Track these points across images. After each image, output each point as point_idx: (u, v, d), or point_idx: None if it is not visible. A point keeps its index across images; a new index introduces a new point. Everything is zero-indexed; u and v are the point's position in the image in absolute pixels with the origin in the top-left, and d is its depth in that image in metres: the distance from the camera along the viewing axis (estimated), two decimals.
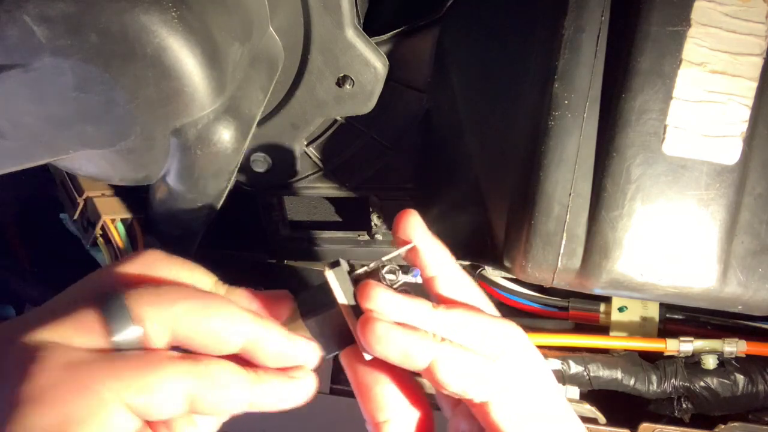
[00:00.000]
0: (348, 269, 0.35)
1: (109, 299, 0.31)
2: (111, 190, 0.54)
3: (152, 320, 0.31)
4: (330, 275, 0.35)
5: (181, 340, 0.32)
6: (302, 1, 0.48)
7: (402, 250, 0.37)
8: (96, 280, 0.35)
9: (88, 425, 0.28)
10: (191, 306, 0.32)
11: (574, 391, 0.62)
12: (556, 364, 0.61)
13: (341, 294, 0.35)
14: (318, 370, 0.35)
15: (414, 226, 0.37)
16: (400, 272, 0.35)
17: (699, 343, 0.62)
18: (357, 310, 0.34)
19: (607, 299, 0.66)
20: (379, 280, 0.35)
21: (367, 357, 0.34)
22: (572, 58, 0.43)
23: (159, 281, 0.34)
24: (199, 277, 0.36)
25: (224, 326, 0.32)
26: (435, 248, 0.37)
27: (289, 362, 0.34)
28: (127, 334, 0.31)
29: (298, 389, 0.34)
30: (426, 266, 0.37)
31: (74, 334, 0.30)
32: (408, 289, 0.36)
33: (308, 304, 0.37)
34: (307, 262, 0.75)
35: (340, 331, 0.36)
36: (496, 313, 0.38)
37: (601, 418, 0.62)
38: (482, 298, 0.38)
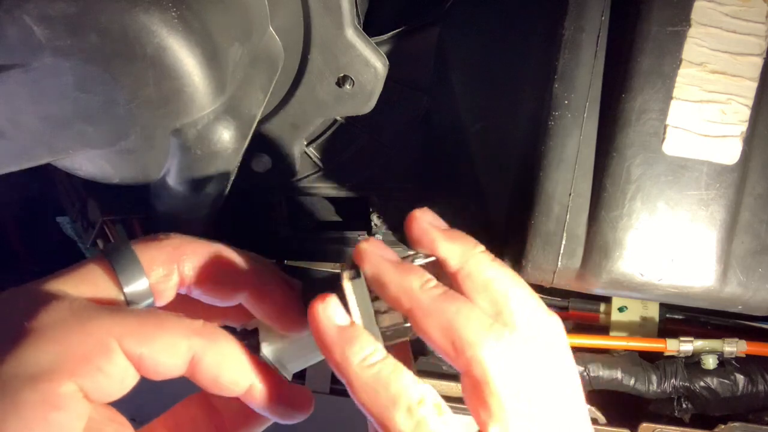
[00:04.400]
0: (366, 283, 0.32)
1: (119, 250, 0.32)
2: (111, 190, 0.54)
3: (161, 267, 0.32)
4: (348, 287, 0.32)
5: (190, 285, 0.33)
6: (302, 1, 0.48)
7: (424, 262, 0.34)
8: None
9: (85, 364, 0.28)
10: (199, 249, 0.33)
11: None
12: None
13: (357, 313, 0.31)
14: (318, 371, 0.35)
15: (428, 233, 0.34)
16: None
17: (699, 343, 0.62)
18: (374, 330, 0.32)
19: (607, 299, 0.66)
20: None
21: None
22: (572, 58, 0.43)
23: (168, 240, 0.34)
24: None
25: (233, 271, 0.33)
26: (455, 250, 0.33)
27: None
28: (137, 285, 0.31)
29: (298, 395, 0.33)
30: (449, 266, 0.34)
31: (83, 284, 0.31)
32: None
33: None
34: (307, 262, 0.75)
35: None
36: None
37: (601, 418, 0.62)
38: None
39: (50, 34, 0.37)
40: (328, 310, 0.31)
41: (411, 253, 0.34)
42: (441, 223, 0.35)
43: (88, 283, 0.31)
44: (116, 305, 0.31)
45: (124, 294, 0.31)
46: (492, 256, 0.33)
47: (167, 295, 0.33)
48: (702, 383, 0.63)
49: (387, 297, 0.32)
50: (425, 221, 0.35)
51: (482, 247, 0.34)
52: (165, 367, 0.29)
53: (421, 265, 0.33)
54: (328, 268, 0.78)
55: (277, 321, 0.34)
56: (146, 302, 0.32)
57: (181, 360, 0.29)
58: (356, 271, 0.32)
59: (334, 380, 0.71)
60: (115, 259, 0.31)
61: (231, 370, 0.31)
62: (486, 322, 0.30)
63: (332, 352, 0.30)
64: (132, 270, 0.31)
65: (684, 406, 0.64)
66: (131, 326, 0.29)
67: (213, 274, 0.33)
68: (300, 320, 0.34)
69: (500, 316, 0.31)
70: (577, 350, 0.63)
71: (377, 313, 0.32)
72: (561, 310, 0.65)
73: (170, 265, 0.32)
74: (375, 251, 0.33)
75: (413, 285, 0.31)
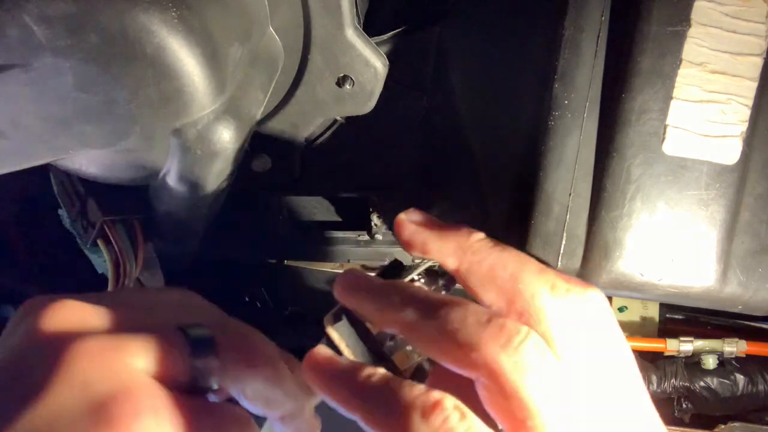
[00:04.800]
0: (350, 319, 0.30)
1: (202, 341, 0.29)
2: (111, 190, 0.54)
3: (227, 378, 0.30)
4: (332, 333, 0.30)
5: (246, 396, 0.31)
6: (302, 1, 0.48)
7: (420, 269, 0.32)
8: (171, 305, 0.33)
9: None
10: (271, 375, 0.30)
11: None
12: None
13: (349, 352, 0.30)
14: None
15: (417, 236, 0.31)
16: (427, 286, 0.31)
17: (699, 343, 0.63)
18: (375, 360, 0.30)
19: (607, 299, 0.66)
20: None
21: None
22: (572, 58, 0.43)
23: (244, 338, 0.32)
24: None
25: (283, 400, 0.31)
26: (449, 248, 0.31)
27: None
28: (206, 380, 0.29)
29: None
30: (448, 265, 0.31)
31: (161, 360, 0.28)
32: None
33: None
34: (307, 262, 0.75)
35: None
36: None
37: None
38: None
39: (50, 34, 0.37)
40: (317, 359, 0.29)
41: (417, 261, 0.32)
42: (430, 221, 0.32)
43: (162, 364, 0.29)
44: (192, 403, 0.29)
45: (190, 385, 0.29)
46: (492, 241, 0.30)
47: (220, 393, 0.31)
48: (702, 383, 0.63)
49: (378, 327, 0.30)
50: (412, 224, 0.32)
51: (479, 235, 0.31)
52: None
53: (423, 272, 0.31)
54: (328, 268, 0.79)
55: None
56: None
57: None
58: (338, 312, 0.30)
59: None
60: (197, 356, 0.29)
61: None
62: (483, 324, 0.27)
63: (336, 392, 0.28)
64: (208, 372, 0.29)
65: (684, 406, 0.64)
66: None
67: (263, 403, 0.31)
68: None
69: (513, 305, 0.28)
70: None
71: (383, 342, 0.30)
72: None
73: (234, 385, 0.30)
74: (348, 287, 0.30)
75: (393, 307, 0.28)
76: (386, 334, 0.30)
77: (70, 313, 0.30)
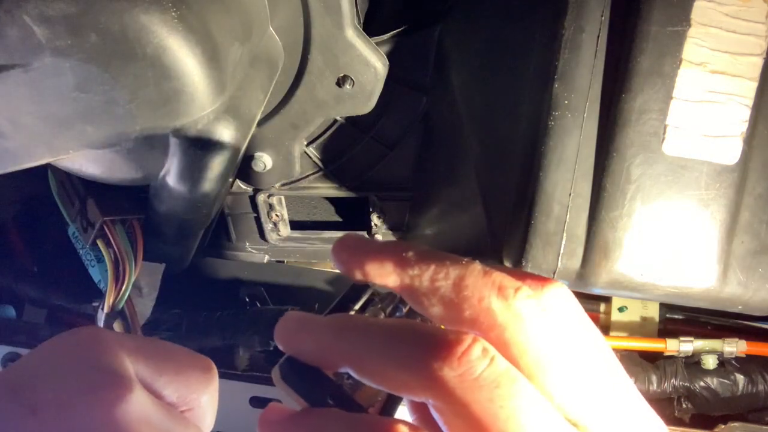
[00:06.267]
0: (298, 367, 0.27)
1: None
2: (111, 190, 0.54)
3: None
4: (283, 386, 0.27)
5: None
6: (302, 1, 0.48)
7: (365, 296, 0.29)
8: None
9: None
10: None
11: None
12: None
13: (303, 403, 0.27)
14: None
15: (354, 261, 0.28)
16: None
17: (699, 343, 0.63)
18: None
19: (607, 299, 0.66)
20: None
21: None
22: (572, 58, 0.43)
23: None
24: None
25: None
26: (386, 269, 0.27)
27: None
28: None
29: None
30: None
31: None
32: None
33: None
34: (307, 262, 0.75)
35: None
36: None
37: None
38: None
39: (50, 34, 0.37)
40: (268, 417, 0.27)
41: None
42: (367, 243, 0.29)
43: None
44: None
45: None
46: (431, 252, 0.27)
47: None
48: (702, 383, 0.63)
49: (327, 369, 0.27)
50: (347, 249, 0.29)
51: (418, 248, 0.28)
52: None
53: (378, 297, 0.29)
54: (328, 268, 0.78)
55: None
56: None
57: None
58: (284, 363, 0.28)
59: None
60: None
61: None
62: (421, 343, 0.24)
63: None
64: None
65: (684, 406, 0.64)
66: None
67: None
68: None
69: (461, 314, 0.25)
70: None
71: (340, 383, 0.27)
72: None
73: None
74: (286, 335, 0.28)
75: (334, 345, 0.26)
76: (342, 374, 0.27)
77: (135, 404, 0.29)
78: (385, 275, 0.27)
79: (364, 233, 0.68)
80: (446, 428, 0.24)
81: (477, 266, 0.26)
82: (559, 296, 0.26)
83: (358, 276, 0.28)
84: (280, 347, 0.28)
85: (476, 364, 0.23)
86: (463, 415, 0.23)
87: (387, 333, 0.25)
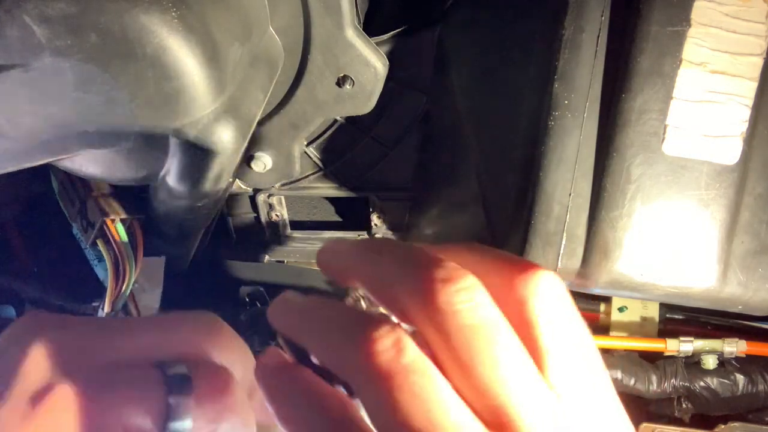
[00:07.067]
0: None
1: (179, 386, 0.29)
2: (111, 190, 0.54)
3: (200, 427, 0.29)
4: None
5: None
6: (302, 1, 0.48)
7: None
8: (155, 342, 0.31)
9: None
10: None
11: None
12: None
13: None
14: None
15: (340, 273, 0.28)
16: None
17: (699, 343, 0.63)
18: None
19: (607, 299, 0.66)
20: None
21: None
22: (572, 58, 0.43)
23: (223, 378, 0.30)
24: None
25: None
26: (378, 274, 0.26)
27: None
28: (178, 426, 0.28)
29: None
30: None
31: (137, 413, 0.28)
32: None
33: None
34: (307, 262, 0.75)
35: None
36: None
37: None
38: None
39: (50, 34, 0.37)
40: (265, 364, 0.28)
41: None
42: (349, 245, 0.28)
43: (142, 413, 0.28)
44: None
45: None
46: (401, 248, 0.26)
47: None
48: (702, 383, 0.63)
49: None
50: (331, 254, 0.29)
51: (392, 254, 0.26)
52: None
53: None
54: None
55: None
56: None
57: None
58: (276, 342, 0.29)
59: None
60: (173, 392, 0.29)
61: None
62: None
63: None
64: (182, 425, 0.28)
65: (684, 406, 0.64)
66: None
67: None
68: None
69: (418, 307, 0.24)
70: None
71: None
72: None
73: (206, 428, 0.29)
74: (278, 314, 0.28)
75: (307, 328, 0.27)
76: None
77: (56, 349, 0.29)
78: (348, 278, 0.28)
79: (364, 233, 0.68)
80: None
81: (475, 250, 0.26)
82: (547, 284, 0.25)
83: (346, 283, 0.28)
84: (273, 326, 0.28)
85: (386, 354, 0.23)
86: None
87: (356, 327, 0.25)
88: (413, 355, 0.23)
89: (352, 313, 0.26)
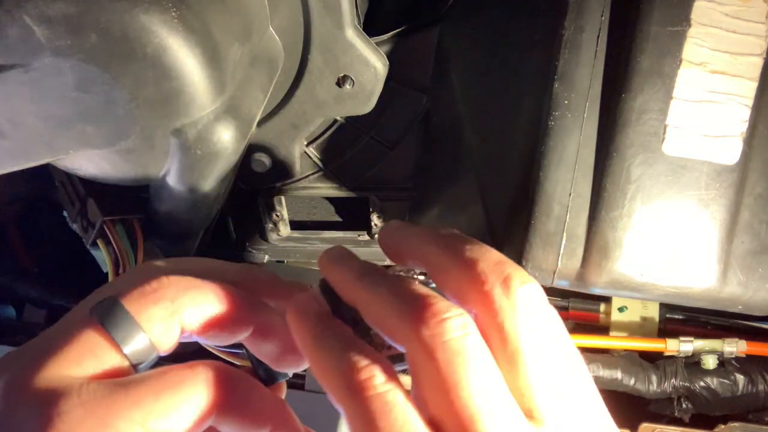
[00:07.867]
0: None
1: (111, 313, 0.29)
2: (111, 190, 0.54)
3: (160, 323, 0.29)
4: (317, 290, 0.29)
5: (191, 334, 0.30)
6: (302, 1, 0.48)
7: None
8: (91, 298, 0.32)
9: None
10: (198, 297, 0.30)
11: None
12: None
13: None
14: None
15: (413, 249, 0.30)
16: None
17: (699, 343, 0.62)
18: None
19: (607, 299, 0.66)
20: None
21: None
22: (572, 58, 0.43)
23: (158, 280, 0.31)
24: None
25: (234, 317, 0.31)
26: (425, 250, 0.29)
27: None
28: (138, 344, 0.29)
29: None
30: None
31: (85, 360, 0.28)
32: None
33: None
34: (307, 261, 0.75)
35: None
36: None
37: None
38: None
39: (50, 34, 0.37)
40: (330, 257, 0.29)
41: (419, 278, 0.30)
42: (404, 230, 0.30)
43: (89, 356, 0.28)
44: (124, 375, 0.29)
45: (126, 357, 0.29)
46: (451, 233, 0.29)
47: (169, 346, 0.30)
48: (702, 383, 0.63)
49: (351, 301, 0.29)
50: (395, 238, 0.31)
51: (443, 234, 0.29)
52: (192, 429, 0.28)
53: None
54: None
55: (278, 361, 0.32)
56: (151, 357, 0.30)
57: (206, 422, 0.28)
58: (321, 282, 0.30)
59: None
60: (109, 323, 0.29)
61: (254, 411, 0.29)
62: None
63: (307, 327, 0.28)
64: (130, 332, 0.29)
65: (684, 406, 0.64)
66: (145, 406, 0.27)
67: (214, 321, 0.31)
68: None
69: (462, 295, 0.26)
70: None
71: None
72: (561, 310, 0.65)
73: (169, 319, 0.30)
74: (330, 260, 0.30)
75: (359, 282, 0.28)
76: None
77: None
78: (419, 255, 0.29)
79: (364, 233, 0.68)
80: (412, 377, 0.26)
81: (494, 254, 0.28)
82: (534, 292, 0.27)
83: (402, 260, 0.30)
84: (321, 271, 0.30)
85: (449, 331, 0.25)
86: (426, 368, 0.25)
87: (392, 288, 0.27)
88: (477, 339, 0.25)
89: (423, 288, 0.27)
